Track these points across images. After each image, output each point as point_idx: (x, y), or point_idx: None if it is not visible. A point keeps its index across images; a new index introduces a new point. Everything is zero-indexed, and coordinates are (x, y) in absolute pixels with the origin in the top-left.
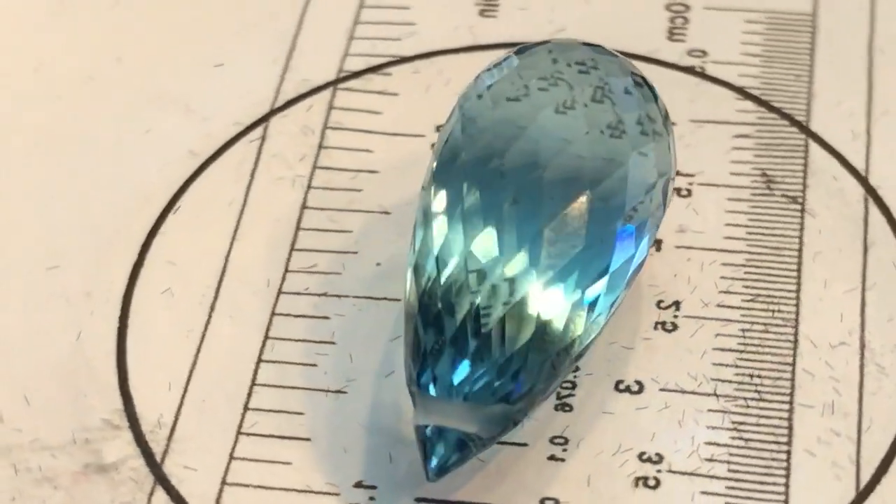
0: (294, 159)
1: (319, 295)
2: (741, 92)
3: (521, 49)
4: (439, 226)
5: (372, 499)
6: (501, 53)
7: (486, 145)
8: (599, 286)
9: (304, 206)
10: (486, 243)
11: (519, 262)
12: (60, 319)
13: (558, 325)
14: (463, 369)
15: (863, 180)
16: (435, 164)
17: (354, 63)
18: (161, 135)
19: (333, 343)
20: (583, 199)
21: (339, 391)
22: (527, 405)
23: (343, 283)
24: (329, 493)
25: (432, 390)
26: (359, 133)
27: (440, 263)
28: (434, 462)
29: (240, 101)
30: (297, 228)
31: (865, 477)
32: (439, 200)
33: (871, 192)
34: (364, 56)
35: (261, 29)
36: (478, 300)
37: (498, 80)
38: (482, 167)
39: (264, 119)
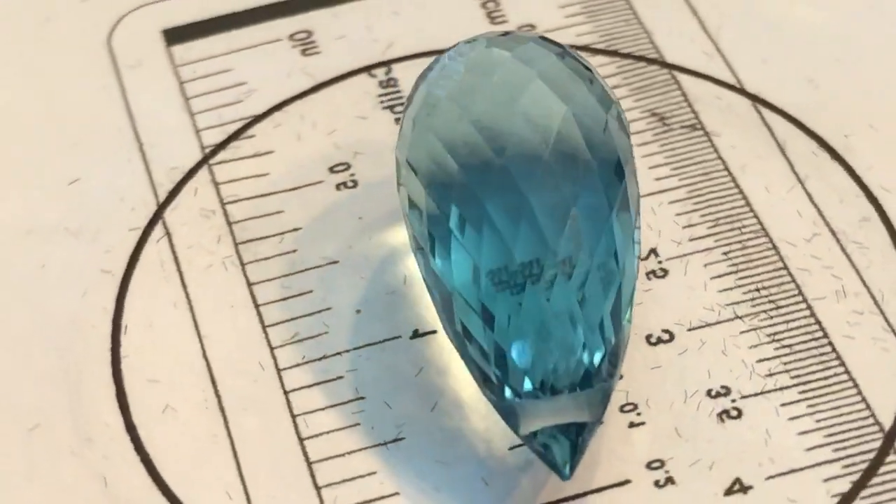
0: (211, 243)
1: (319, 359)
2: (589, 49)
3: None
4: (470, 238)
5: None
6: (350, 82)
7: (475, 144)
8: (635, 223)
9: (249, 284)
10: (525, 241)
11: (564, 246)
12: (82, 471)
13: (626, 284)
14: (559, 362)
15: (742, 91)
16: (427, 184)
17: (212, 136)
18: (61, 265)
19: (363, 398)
20: (584, 162)
21: (396, 439)
22: (617, 373)
23: (335, 340)
24: None
25: (535, 394)
26: (259, 198)
27: (493, 275)
28: (563, 461)
29: (120, 207)
30: (256, 306)
31: None
32: (455, 215)
33: (754, 98)
34: (217, 127)
35: (93, 136)
36: (547, 292)
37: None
38: (482, 167)
39: (157, 216)
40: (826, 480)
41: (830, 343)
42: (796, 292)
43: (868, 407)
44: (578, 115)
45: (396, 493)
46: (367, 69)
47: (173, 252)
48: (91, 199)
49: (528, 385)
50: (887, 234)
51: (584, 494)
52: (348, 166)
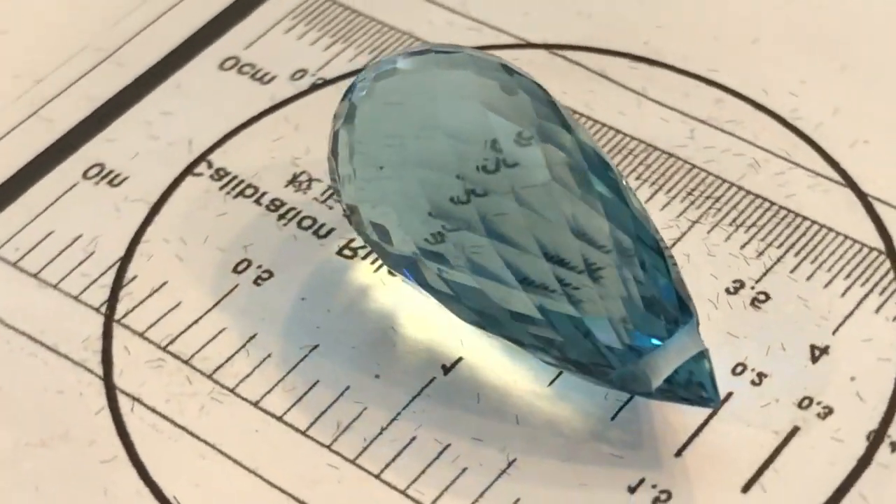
0: (184, 386)
1: (381, 433)
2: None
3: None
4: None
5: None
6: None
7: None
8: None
9: (255, 404)
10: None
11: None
12: None
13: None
14: (659, 310)
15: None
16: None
17: (97, 296)
18: None
19: (450, 444)
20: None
21: (508, 467)
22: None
23: (379, 411)
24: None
25: (654, 344)
26: (195, 325)
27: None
28: (709, 392)
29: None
30: (280, 419)
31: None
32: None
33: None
34: (95, 285)
35: None
36: (614, 259)
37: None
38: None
39: (110, 391)
40: (878, 310)
41: (782, 207)
42: (720, 181)
43: (848, 237)
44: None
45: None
46: (189, 171)
47: (157, 413)
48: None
49: (649, 341)
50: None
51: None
52: (249, 263)
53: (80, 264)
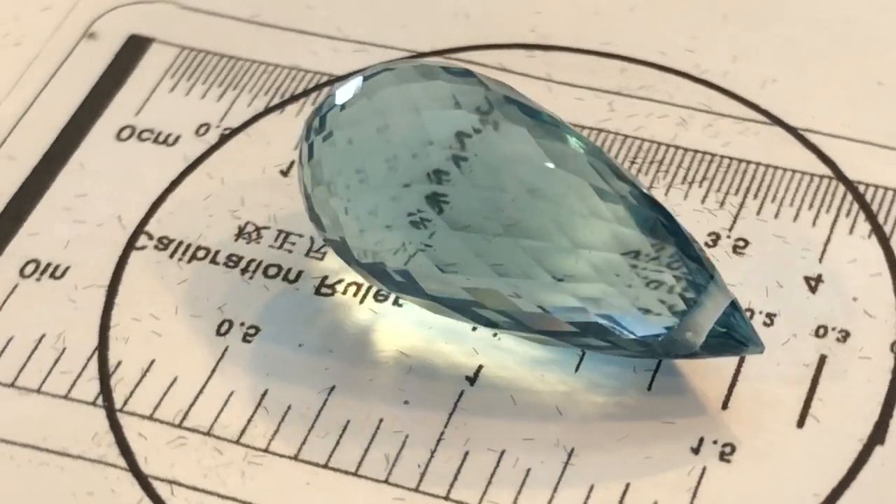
0: (215, 468)
1: (432, 455)
2: None
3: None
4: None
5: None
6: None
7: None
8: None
9: (295, 457)
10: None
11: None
12: None
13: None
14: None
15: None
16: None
17: (88, 390)
18: None
19: (504, 450)
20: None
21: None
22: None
23: (418, 450)
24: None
25: (690, 304)
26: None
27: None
28: (753, 336)
29: None
30: (325, 465)
31: None
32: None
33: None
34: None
35: None
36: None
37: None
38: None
39: (143, 483)
40: (851, 231)
41: (724, 156)
42: (656, 145)
43: (796, 170)
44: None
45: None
46: (131, 247)
47: (200, 491)
48: None
49: (683, 304)
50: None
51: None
52: (230, 323)
53: (55, 363)
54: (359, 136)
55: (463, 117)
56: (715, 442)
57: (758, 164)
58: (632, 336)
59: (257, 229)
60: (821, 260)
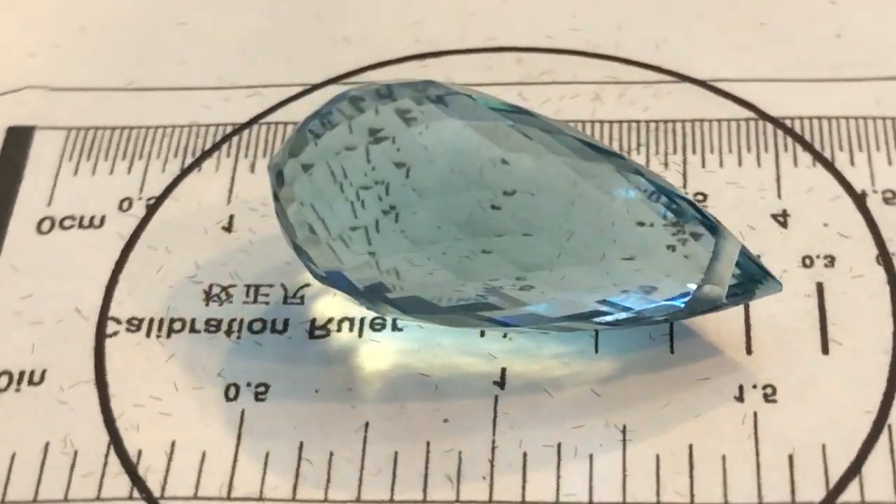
0: None
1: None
2: None
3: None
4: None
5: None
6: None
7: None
8: None
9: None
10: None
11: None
12: None
13: None
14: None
15: None
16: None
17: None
18: None
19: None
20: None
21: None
22: None
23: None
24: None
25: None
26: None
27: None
28: (768, 275)
29: None
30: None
31: None
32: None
33: None
34: None
35: None
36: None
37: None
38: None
39: None
40: (796, 163)
41: (648, 121)
42: (580, 123)
43: (720, 119)
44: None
45: None
46: (102, 336)
47: None
48: None
49: (703, 260)
50: None
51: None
52: (237, 387)
53: (72, 468)
54: (341, 162)
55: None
56: (754, 387)
57: (683, 121)
58: (660, 303)
59: (224, 289)
60: (779, 196)
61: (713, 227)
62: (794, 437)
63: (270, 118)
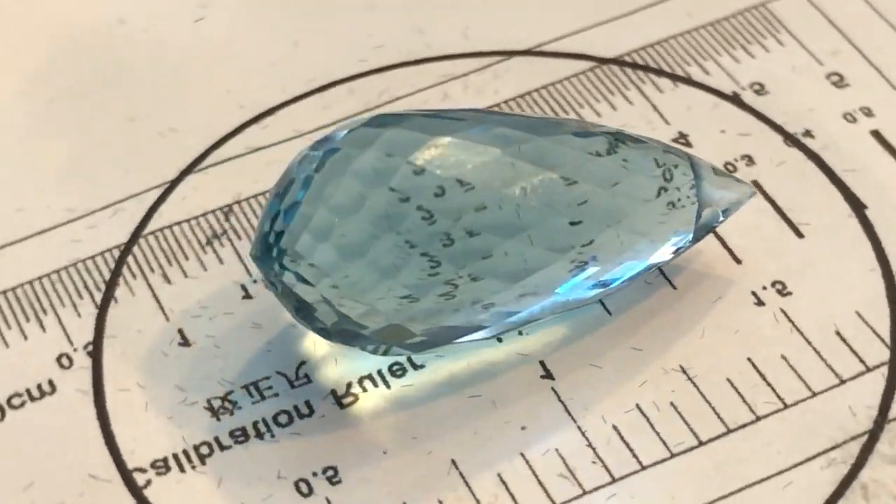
0: None
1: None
2: None
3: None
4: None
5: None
6: None
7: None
8: None
9: None
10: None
11: None
12: None
13: None
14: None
15: None
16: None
17: None
18: None
19: None
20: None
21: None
22: None
23: None
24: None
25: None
26: None
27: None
28: (742, 184)
29: None
30: None
31: None
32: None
33: None
34: None
35: None
36: None
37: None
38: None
39: None
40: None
41: (546, 87)
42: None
43: (600, 64)
44: None
45: None
46: (132, 483)
47: None
48: None
49: (691, 189)
50: None
51: None
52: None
53: None
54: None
55: None
56: (764, 288)
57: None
58: (671, 242)
59: (223, 399)
60: (667, 122)
61: (684, 154)
62: (830, 315)
63: (150, 227)
